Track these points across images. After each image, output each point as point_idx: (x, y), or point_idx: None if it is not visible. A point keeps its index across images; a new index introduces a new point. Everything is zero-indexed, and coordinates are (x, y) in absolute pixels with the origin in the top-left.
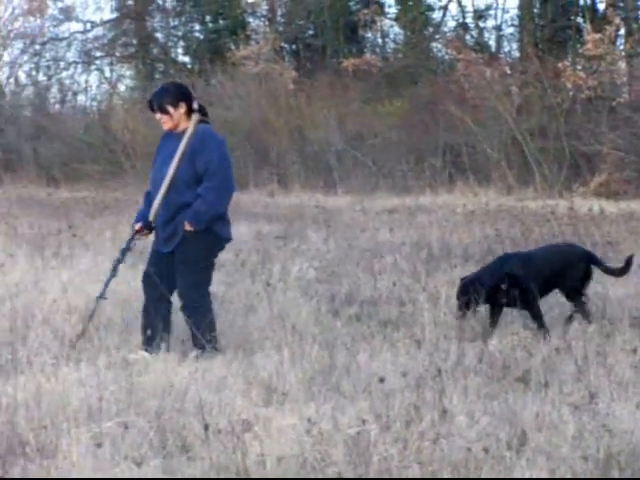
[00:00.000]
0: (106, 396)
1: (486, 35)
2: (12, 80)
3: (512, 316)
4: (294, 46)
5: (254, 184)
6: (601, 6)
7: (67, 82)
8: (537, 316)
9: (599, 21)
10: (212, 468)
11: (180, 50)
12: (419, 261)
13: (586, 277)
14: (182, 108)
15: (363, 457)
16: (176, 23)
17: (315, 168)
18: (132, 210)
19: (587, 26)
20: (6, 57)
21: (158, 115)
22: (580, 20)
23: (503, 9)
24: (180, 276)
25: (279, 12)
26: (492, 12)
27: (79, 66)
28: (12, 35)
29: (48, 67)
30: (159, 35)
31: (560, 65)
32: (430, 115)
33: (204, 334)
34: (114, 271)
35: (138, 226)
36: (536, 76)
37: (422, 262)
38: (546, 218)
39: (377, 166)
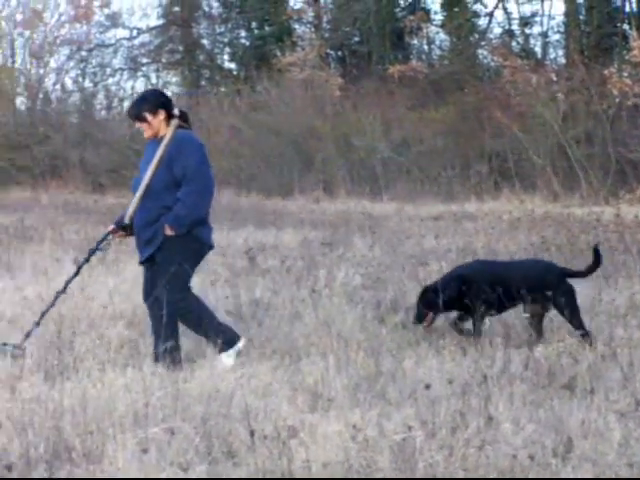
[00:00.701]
0: (152, 402)
1: (532, 42)
2: (58, 86)
3: (558, 322)
4: (340, 52)
5: (299, 191)
6: None
7: (113, 88)
8: (477, 323)
9: None
10: (258, 474)
11: (226, 57)
12: None
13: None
14: (161, 115)
15: (409, 464)
16: (222, 30)
17: (361, 175)
18: None
19: (633, 33)
20: (52, 63)
21: (137, 124)
22: (626, 27)
23: (549, 16)
24: (159, 279)
25: (325, 18)
26: (538, 19)
27: (125, 72)
28: (59, 42)
29: (94, 73)
30: (205, 42)
31: (606, 72)
32: (476, 122)
33: (208, 333)
34: (78, 270)
35: (111, 227)
36: (582, 83)
37: None
38: (592, 225)
39: (423, 173)
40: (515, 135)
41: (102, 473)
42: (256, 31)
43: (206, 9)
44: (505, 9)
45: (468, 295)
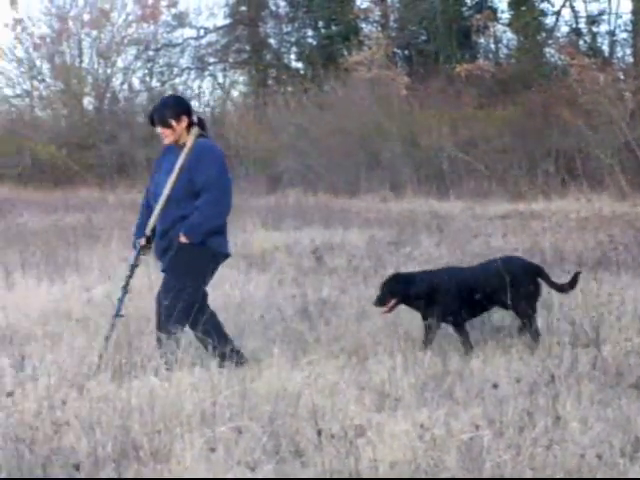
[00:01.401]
0: (220, 401)
1: (599, 40)
2: (126, 86)
3: (625, 321)
4: (407, 52)
5: (366, 190)
6: None
7: (180, 88)
8: (431, 329)
9: None
10: (325, 473)
11: (293, 56)
12: None
13: (533, 292)
14: (184, 122)
15: (476, 463)
16: (289, 29)
17: (427, 173)
18: (246, 216)
19: None
20: (120, 63)
21: (159, 129)
22: None
23: (616, 14)
24: (165, 284)
25: (392, 18)
26: (605, 17)
27: (192, 72)
28: (126, 41)
29: (161, 73)
30: (272, 41)
31: None
32: (543, 120)
33: (212, 340)
34: (126, 287)
35: (142, 241)
36: None
37: None
38: None
39: (489, 171)
40: (582, 134)
41: (169, 472)
42: (323, 30)
43: (273, 8)
44: (572, 7)
45: (432, 299)
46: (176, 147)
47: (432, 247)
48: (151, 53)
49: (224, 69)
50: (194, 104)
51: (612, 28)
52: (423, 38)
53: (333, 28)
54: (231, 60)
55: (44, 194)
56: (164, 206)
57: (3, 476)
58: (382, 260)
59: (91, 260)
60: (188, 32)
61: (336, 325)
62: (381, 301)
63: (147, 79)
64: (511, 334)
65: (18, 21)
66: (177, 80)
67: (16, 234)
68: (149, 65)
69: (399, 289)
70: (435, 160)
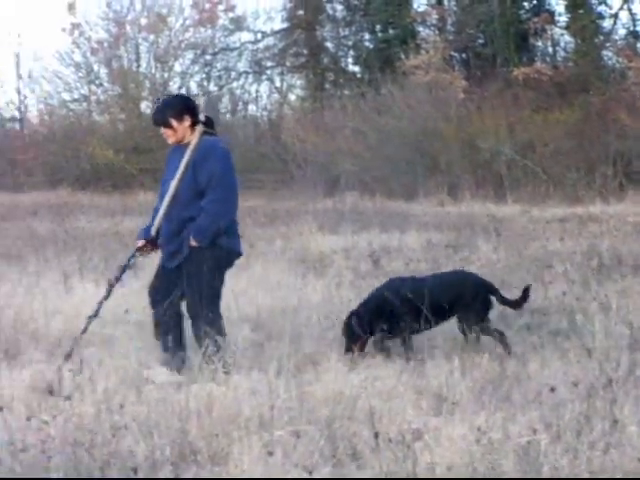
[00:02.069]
0: (277, 404)
1: None
2: (183, 90)
3: None
4: (464, 55)
5: (424, 193)
6: None
7: (238, 92)
8: (404, 341)
9: None
10: (382, 476)
11: (350, 59)
12: (589, 270)
13: (484, 307)
14: (186, 121)
15: (533, 467)
16: (346, 33)
17: (485, 177)
18: (303, 220)
19: None
20: (177, 67)
21: (162, 129)
22: None
23: None
24: (189, 292)
25: (449, 21)
26: None
27: (250, 76)
28: (183, 45)
29: (219, 77)
30: (329, 45)
31: None
32: (601, 123)
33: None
34: (109, 291)
35: (140, 243)
36: None
37: (593, 271)
38: None
39: (547, 175)
40: None
41: (227, 475)
42: (380, 34)
43: (330, 12)
44: (630, 10)
45: (388, 314)
46: (182, 147)
47: (490, 251)
48: (208, 57)
49: (281, 73)
50: (251, 108)
51: None
52: (480, 41)
53: (390, 31)
54: (288, 64)
55: (102, 198)
56: (170, 207)
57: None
58: (439, 263)
59: (149, 263)
60: (245, 36)
61: None
62: (349, 348)
63: (204, 83)
64: (569, 337)
65: (76, 26)
66: (234, 84)
67: (74, 238)
68: (206, 69)
69: (356, 329)
70: (493, 163)
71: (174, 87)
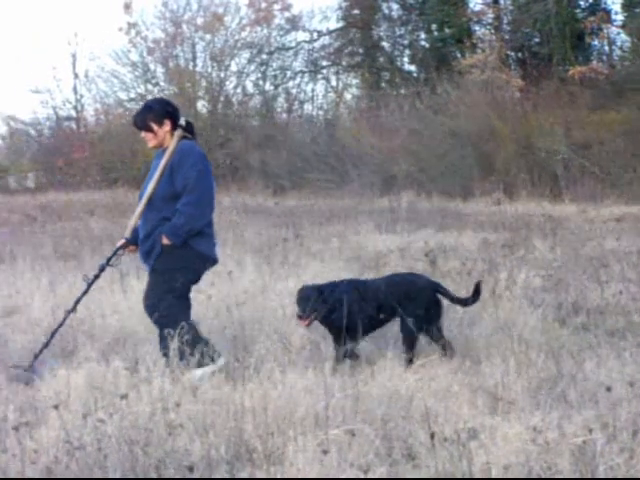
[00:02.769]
0: (333, 403)
1: None
2: (239, 89)
3: None
4: (520, 54)
5: (480, 192)
6: None
7: (294, 91)
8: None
9: None
10: (438, 476)
11: (406, 59)
12: None
13: (434, 308)
14: (167, 126)
15: (589, 466)
16: (402, 32)
17: (541, 176)
18: (359, 219)
19: None
20: (233, 67)
21: (142, 133)
22: None
23: None
24: (151, 286)
25: (505, 20)
26: None
27: (306, 75)
28: (239, 45)
29: (275, 76)
30: (385, 44)
31: None
32: None
33: (189, 350)
34: (88, 288)
35: (122, 241)
36: None
37: None
38: None
39: (604, 174)
40: None
41: (282, 474)
42: (436, 33)
43: (386, 11)
44: None
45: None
46: (162, 151)
47: (546, 250)
48: (264, 56)
49: (337, 72)
50: (307, 107)
51: None
52: (536, 40)
53: (446, 30)
54: (344, 63)
55: None
56: (146, 208)
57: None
58: (495, 263)
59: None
60: (301, 35)
61: (450, 328)
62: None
63: (260, 82)
64: (624, 336)
65: (132, 25)
66: (290, 83)
67: None
68: (262, 68)
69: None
70: (549, 163)
71: (230, 86)
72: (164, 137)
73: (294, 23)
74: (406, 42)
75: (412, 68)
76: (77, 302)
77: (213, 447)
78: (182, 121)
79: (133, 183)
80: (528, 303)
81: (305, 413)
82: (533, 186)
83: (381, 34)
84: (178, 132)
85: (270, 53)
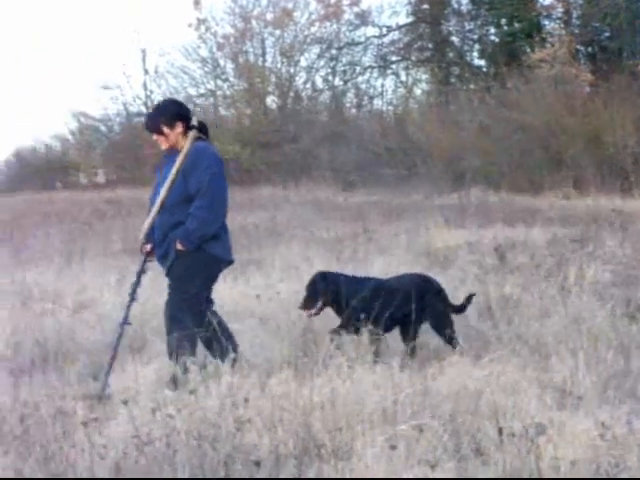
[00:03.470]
0: (401, 399)
1: None
2: (309, 85)
3: None
4: (590, 48)
5: (549, 187)
6: None
7: (363, 86)
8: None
9: None
10: (506, 472)
11: (475, 53)
12: None
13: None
14: (178, 128)
15: None
16: (471, 26)
17: (611, 171)
18: (429, 214)
19: None
20: (303, 62)
21: (154, 136)
22: None
23: None
24: (170, 293)
25: (574, 14)
26: None
27: (375, 70)
28: (309, 40)
29: (344, 72)
30: (454, 39)
31: None
32: None
33: (178, 349)
34: (133, 295)
35: (149, 248)
36: None
37: None
38: None
39: None
40: None
41: (350, 470)
42: (505, 27)
43: (455, 6)
44: None
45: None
46: (174, 153)
47: (615, 245)
48: (334, 52)
49: (407, 67)
50: (377, 103)
51: None
52: (606, 34)
53: (515, 25)
54: (413, 58)
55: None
56: (160, 212)
57: (187, 475)
58: (564, 258)
59: (274, 258)
60: (370, 30)
61: (518, 323)
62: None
63: (330, 78)
64: None
65: (202, 21)
66: (360, 79)
67: None
68: (332, 64)
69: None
70: (619, 157)
71: (300, 82)
72: (176, 139)
73: (363, 18)
74: (475, 37)
75: (481, 63)
76: (127, 312)
77: (281, 442)
78: (194, 121)
79: None
80: (597, 298)
81: (373, 408)
82: (603, 181)
83: (450, 29)
84: (192, 133)
85: (339, 48)
